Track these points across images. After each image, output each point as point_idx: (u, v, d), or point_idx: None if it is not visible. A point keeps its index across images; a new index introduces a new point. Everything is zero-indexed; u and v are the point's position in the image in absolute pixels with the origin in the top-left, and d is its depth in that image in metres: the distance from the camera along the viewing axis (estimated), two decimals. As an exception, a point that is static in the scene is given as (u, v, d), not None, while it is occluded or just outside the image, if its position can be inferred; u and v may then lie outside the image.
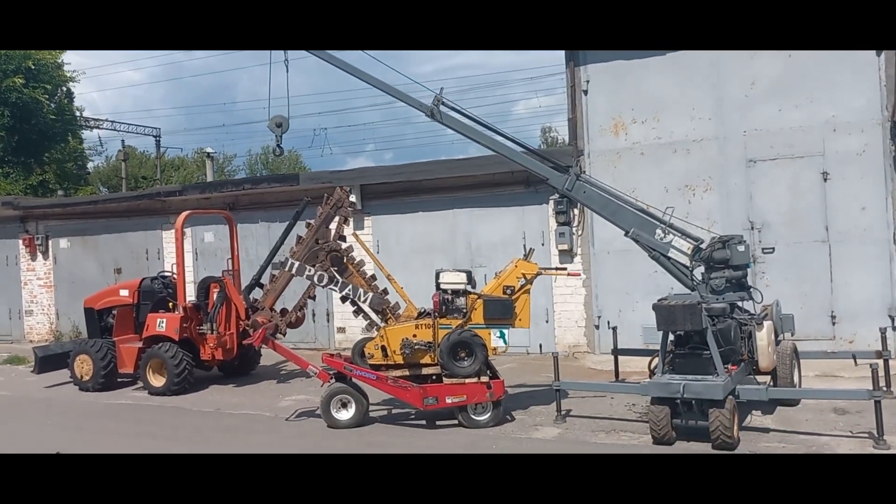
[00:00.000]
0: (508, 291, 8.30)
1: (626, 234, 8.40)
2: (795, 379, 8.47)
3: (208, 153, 26.48)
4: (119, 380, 11.56)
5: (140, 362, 11.02)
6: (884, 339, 8.85)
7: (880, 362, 8.23)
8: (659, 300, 7.77)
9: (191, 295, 12.24)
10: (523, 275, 8.35)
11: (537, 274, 8.47)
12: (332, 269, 8.89)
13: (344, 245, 9.09)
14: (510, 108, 68.38)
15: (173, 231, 12.56)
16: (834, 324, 10.79)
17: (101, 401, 10.81)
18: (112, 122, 38.79)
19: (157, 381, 10.87)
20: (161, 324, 11.08)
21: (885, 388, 8.00)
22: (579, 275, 11.77)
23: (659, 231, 8.22)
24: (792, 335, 9.02)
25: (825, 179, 10.80)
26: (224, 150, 51.53)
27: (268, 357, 12.52)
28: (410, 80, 9.22)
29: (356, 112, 69.83)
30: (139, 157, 48.16)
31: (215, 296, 11.27)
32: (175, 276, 11.81)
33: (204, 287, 11.60)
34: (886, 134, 10.45)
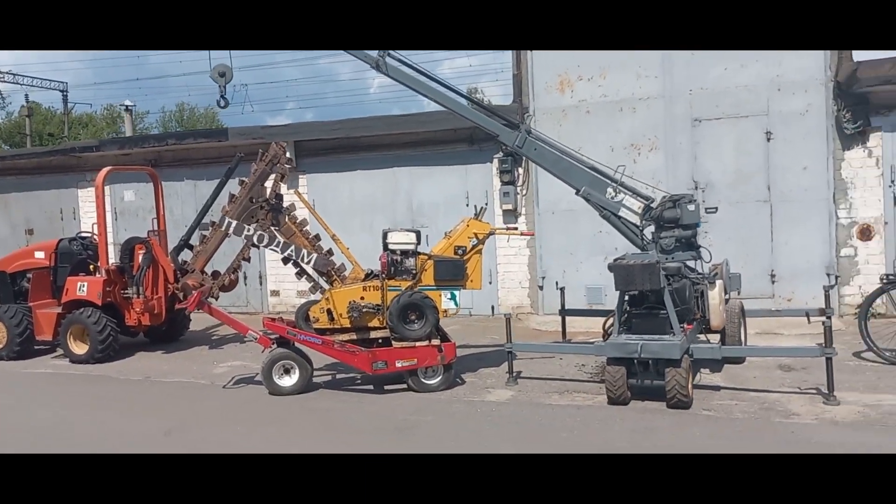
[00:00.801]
0: (460, 252, 8.01)
1: (577, 193, 8.24)
2: (742, 337, 8.54)
3: (126, 106, 25.06)
4: (36, 347, 10.87)
5: (60, 329, 10.34)
6: (827, 298, 8.99)
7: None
8: (616, 259, 7.63)
9: (113, 257, 11.51)
10: (475, 234, 8.06)
11: (490, 234, 8.20)
12: (272, 228, 8.43)
13: (285, 204, 8.61)
14: (435, 67, 67.59)
15: (91, 189, 11.78)
16: (773, 282, 10.96)
17: (18, 370, 10.12)
18: (14, 74, 36.80)
19: (79, 349, 10.24)
20: (82, 287, 10.39)
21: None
22: (533, 234, 11.59)
23: (610, 190, 8.09)
24: (738, 294, 9.10)
25: (769, 139, 10.86)
26: (137, 106, 49.15)
27: (198, 322, 11.96)
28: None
29: (275, 68, 67.51)
30: (44, 113, 45.66)
31: (141, 258, 10.61)
32: (95, 236, 11.10)
33: (128, 248, 10.90)
34: (829, 94, 10.54)
